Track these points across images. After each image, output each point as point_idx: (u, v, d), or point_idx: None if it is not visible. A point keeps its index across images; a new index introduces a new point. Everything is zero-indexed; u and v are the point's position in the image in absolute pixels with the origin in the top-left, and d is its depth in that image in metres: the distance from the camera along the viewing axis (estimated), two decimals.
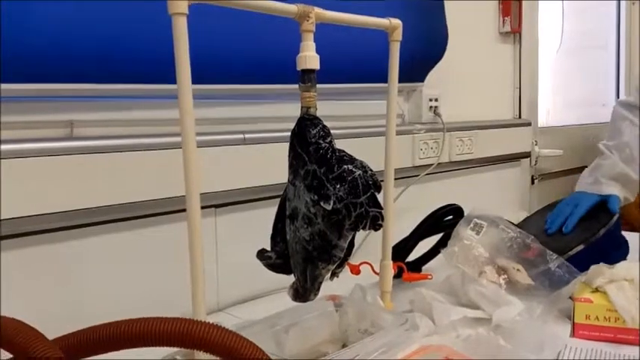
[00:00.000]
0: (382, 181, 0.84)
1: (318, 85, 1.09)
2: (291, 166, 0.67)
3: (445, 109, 1.38)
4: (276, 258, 0.71)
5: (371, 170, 0.65)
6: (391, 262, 0.83)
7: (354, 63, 1.13)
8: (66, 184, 0.77)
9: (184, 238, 0.92)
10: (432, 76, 1.33)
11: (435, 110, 1.34)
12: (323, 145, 0.65)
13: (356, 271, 0.86)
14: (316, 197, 0.64)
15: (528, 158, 1.74)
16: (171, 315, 0.45)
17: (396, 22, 0.79)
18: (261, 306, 0.97)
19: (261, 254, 0.72)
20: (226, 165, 0.95)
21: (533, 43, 1.75)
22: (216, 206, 0.96)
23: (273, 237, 0.72)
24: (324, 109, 1.13)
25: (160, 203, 0.87)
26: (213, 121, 0.97)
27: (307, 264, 0.66)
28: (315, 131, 0.66)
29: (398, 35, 0.80)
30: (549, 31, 1.95)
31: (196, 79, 0.92)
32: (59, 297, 0.79)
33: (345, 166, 0.64)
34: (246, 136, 0.96)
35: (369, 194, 0.63)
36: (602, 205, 1.11)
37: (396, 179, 1.26)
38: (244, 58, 0.94)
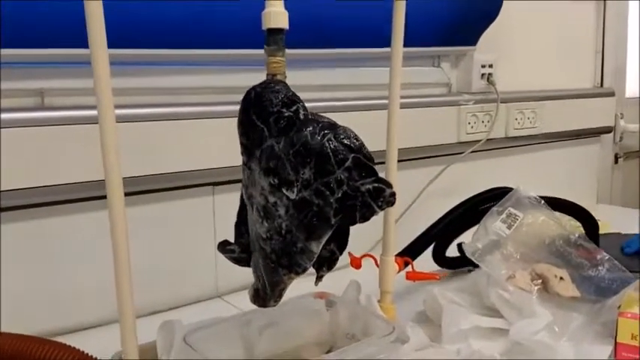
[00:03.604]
0: (383, 162, 0.72)
1: (347, 50, 1.00)
2: (242, 144, 0.56)
3: (503, 76, 1.21)
4: (240, 252, 0.61)
5: (353, 136, 0.50)
6: (393, 257, 0.71)
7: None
8: (36, 157, 0.72)
9: (172, 218, 0.86)
10: (486, 38, 1.16)
11: (488, 78, 1.17)
12: (286, 114, 0.53)
13: (357, 264, 0.74)
14: (276, 181, 0.53)
15: (611, 134, 1.51)
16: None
17: None
18: None
19: (223, 247, 0.62)
20: (227, 139, 0.85)
21: None
22: (215, 184, 0.88)
23: (237, 225, 0.62)
24: (350, 76, 1.03)
25: (143, 180, 0.80)
26: (211, 89, 0.88)
27: (266, 266, 0.56)
28: (276, 98, 0.54)
29: None
30: None
31: (188, 43, 0.85)
32: (29, 277, 0.75)
33: (307, 134, 0.51)
34: None
35: (348, 164, 0.49)
36: None
37: (435, 157, 1.13)
38: (244, 20, 0.83)
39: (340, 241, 0.58)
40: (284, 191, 0.52)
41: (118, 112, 0.78)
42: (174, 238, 0.86)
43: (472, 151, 1.14)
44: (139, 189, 0.81)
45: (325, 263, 0.58)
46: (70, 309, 0.78)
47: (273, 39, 0.56)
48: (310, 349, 0.68)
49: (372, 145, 0.58)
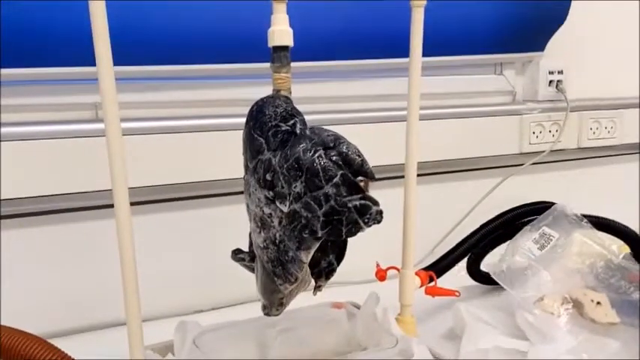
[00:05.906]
0: (402, 176, 0.71)
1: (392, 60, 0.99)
2: (244, 157, 0.59)
3: (575, 83, 1.13)
4: (250, 260, 0.64)
5: (350, 150, 0.51)
6: (412, 270, 0.70)
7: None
8: (90, 165, 0.79)
9: (209, 223, 0.90)
10: (555, 43, 1.10)
11: (557, 85, 1.11)
12: (283, 128, 0.55)
13: (381, 276, 0.74)
14: (272, 194, 0.55)
15: None
16: None
17: None
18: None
19: (235, 254, 0.65)
20: None
21: None
22: None
23: (250, 234, 0.65)
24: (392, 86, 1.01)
25: (185, 187, 0.85)
26: (244, 102, 0.91)
27: (264, 274, 0.58)
28: (276, 113, 0.56)
29: None
30: None
31: (227, 57, 0.89)
32: (77, 276, 0.82)
33: (299, 149, 0.52)
34: None
35: (336, 180, 0.50)
36: None
37: (494, 168, 1.09)
38: None
39: (338, 252, 0.59)
40: (277, 204, 0.54)
41: (160, 123, 0.86)
42: (217, 240, 0.90)
43: (536, 163, 1.09)
44: (186, 195, 0.87)
45: (323, 274, 0.59)
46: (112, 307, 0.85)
47: (277, 56, 0.58)
48: (325, 357, 0.69)
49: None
